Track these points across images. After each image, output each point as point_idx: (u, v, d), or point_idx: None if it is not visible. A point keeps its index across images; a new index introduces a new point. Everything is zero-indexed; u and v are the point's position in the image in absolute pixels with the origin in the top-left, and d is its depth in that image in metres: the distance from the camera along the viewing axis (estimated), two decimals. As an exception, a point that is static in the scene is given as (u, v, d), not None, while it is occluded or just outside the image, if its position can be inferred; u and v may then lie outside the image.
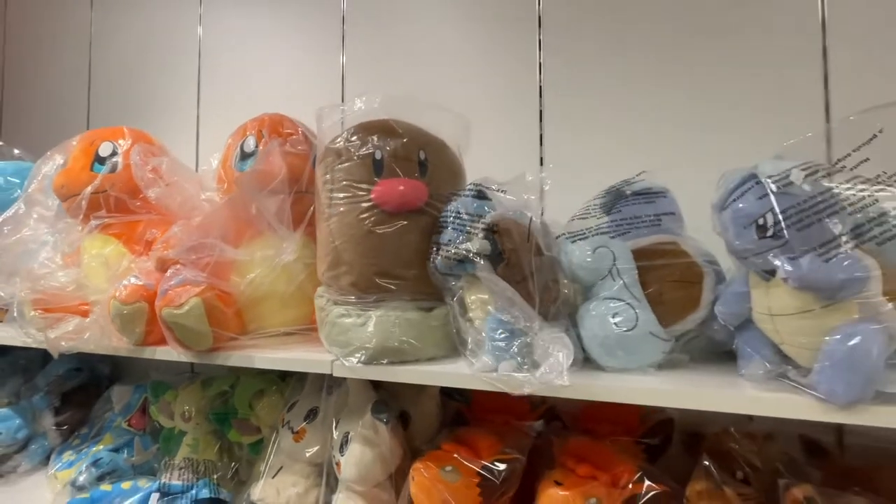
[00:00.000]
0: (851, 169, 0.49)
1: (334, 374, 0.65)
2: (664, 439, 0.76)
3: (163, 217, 0.86)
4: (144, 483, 0.88)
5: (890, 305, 0.43)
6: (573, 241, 0.60)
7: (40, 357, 1.23)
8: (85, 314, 0.81)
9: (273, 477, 0.81)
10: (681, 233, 0.64)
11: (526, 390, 0.51)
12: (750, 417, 0.73)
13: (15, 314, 0.84)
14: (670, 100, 0.87)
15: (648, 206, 0.65)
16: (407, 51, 1.09)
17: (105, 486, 0.89)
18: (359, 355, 0.62)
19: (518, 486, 0.68)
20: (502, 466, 0.65)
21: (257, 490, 0.80)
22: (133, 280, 0.76)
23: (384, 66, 1.11)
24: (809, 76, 0.78)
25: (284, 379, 0.99)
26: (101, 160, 0.86)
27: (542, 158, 0.94)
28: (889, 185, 0.47)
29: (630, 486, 0.60)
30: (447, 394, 0.84)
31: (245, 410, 0.95)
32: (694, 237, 0.63)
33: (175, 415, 0.99)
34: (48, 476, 1.00)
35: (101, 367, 1.27)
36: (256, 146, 0.80)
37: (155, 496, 0.79)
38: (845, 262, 0.43)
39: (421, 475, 0.66)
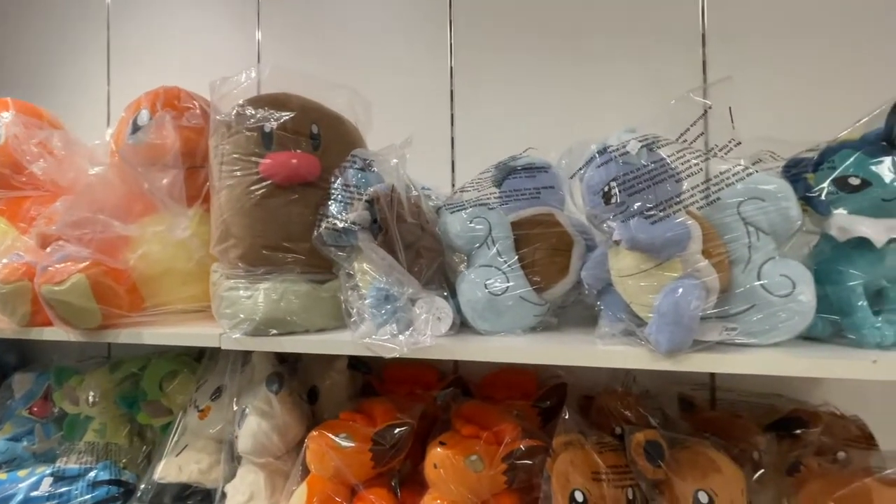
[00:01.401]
0: (691, 142, 0.54)
1: (222, 347, 0.65)
2: (557, 402, 0.81)
3: (53, 193, 0.82)
4: (43, 470, 0.86)
5: (706, 262, 0.48)
6: (452, 213, 0.62)
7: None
8: (-35, 295, 0.77)
9: (177, 455, 0.81)
10: (558, 205, 0.67)
11: (395, 353, 0.54)
12: (634, 378, 0.79)
13: None
14: (568, 85, 0.91)
15: (530, 180, 0.68)
16: (323, 26, 1.08)
17: (0, 475, 0.85)
18: (244, 327, 0.63)
19: (415, 449, 0.72)
20: (393, 432, 0.67)
21: (159, 469, 0.79)
22: (14, 258, 0.72)
23: (300, 41, 1.09)
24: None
25: (200, 360, 0.97)
26: (-20, 133, 0.81)
27: (452, 138, 0.96)
28: (719, 156, 0.52)
29: (510, 442, 0.65)
30: (354, 367, 0.86)
31: (155, 392, 0.93)
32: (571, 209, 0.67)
33: (80, 400, 0.96)
34: (-59, 469, 0.95)
35: (6, 356, 1.21)
36: (150, 120, 0.77)
37: (48, 480, 0.76)
38: (668, 224, 0.48)
39: (315, 443, 0.68)
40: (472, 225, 0.61)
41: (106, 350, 1.19)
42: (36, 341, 0.78)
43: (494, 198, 0.69)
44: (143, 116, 0.78)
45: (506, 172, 0.71)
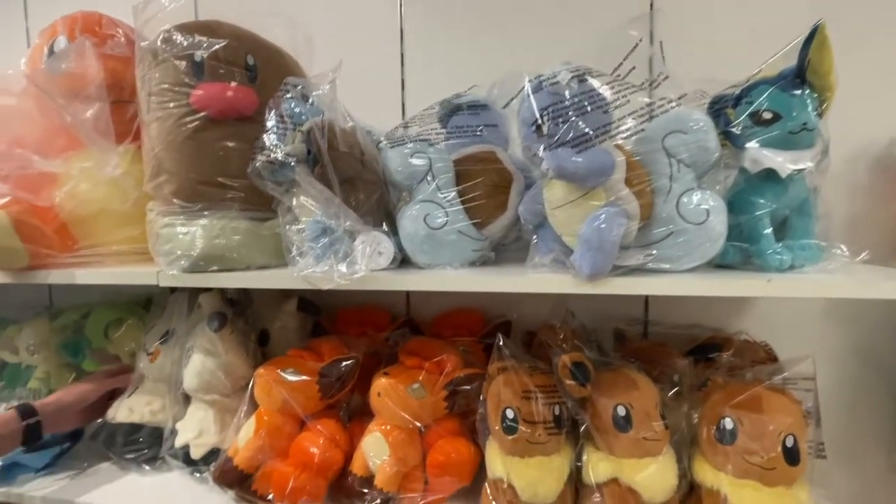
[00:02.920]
0: (624, 77, 0.55)
1: (160, 284, 0.64)
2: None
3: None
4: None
5: (628, 190, 0.50)
6: (392, 148, 0.62)
7: None
8: None
9: (128, 397, 0.81)
10: (501, 143, 0.68)
11: (331, 285, 0.54)
12: (572, 314, 0.84)
13: None
14: (522, 22, 0.89)
15: (473, 117, 0.68)
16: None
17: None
18: (182, 263, 0.62)
19: (365, 385, 0.74)
20: (339, 365, 0.69)
21: (111, 410, 0.79)
22: (-74, 196, 0.67)
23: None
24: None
25: (148, 308, 0.96)
26: None
27: (402, 80, 0.94)
28: (645, 90, 0.53)
29: (450, 371, 0.68)
30: (304, 309, 0.86)
31: (100, 340, 0.91)
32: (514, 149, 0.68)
33: (20, 349, 0.94)
34: None
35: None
36: (69, 46, 0.71)
37: None
38: (593, 153, 0.49)
39: (262, 378, 0.69)
40: (412, 160, 0.61)
41: (47, 299, 1.15)
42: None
43: (436, 134, 0.69)
44: (61, 42, 0.72)
45: (450, 110, 0.70)
